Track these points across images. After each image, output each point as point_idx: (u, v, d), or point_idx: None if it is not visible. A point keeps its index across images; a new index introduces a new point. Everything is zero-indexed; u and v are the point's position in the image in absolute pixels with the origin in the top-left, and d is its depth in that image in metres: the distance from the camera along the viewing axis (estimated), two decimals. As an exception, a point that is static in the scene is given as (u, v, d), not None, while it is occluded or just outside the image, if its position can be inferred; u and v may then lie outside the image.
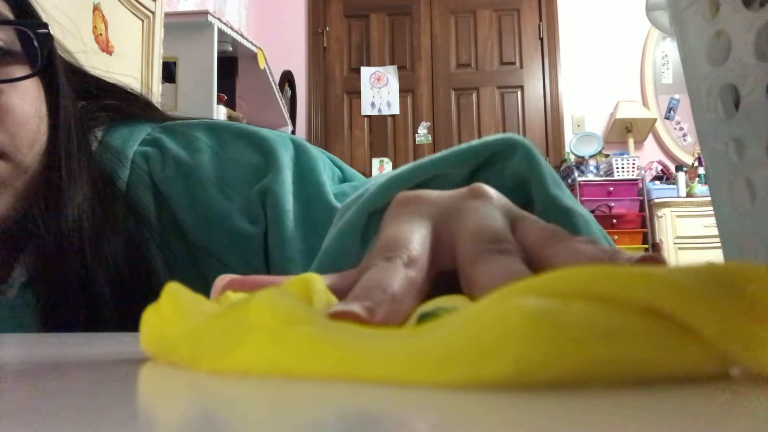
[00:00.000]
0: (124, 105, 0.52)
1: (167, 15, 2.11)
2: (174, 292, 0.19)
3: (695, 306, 0.13)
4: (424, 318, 0.24)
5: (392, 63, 4.14)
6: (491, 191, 0.26)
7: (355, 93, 4.14)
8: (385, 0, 4.17)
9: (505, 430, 0.10)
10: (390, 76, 4.13)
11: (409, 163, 0.35)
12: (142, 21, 1.93)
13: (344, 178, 0.49)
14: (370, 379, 0.13)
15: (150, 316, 0.19)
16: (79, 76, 0.50)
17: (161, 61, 2.01)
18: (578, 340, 0.12)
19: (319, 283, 0.21)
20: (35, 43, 0.42)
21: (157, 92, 1.97)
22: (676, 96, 3.99)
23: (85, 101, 0.49)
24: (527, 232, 0.24)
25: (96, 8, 1.63)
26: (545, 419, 0.11)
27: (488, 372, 0.12)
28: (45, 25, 0.43)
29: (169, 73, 2.42)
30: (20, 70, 0.41)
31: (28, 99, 0.42)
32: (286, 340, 0.14)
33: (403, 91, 4.11)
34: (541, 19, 4.15)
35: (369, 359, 0.13)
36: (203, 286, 0.23)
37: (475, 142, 0.35)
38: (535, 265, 0.21)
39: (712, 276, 0.13)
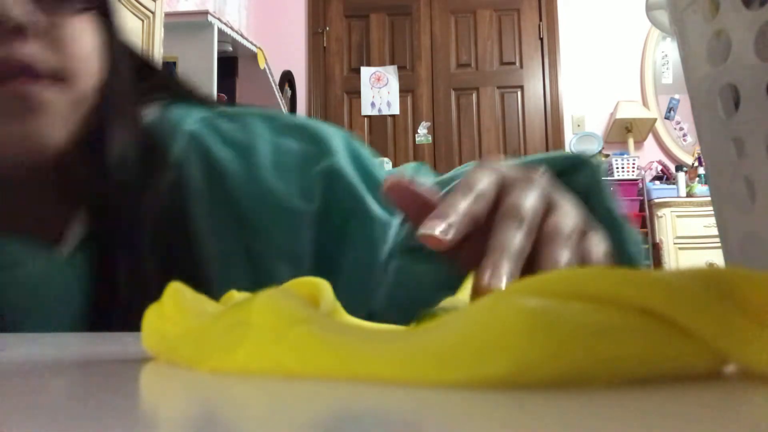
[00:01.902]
0: (174, 86, 0.55)
1: (167, 15, 2.11)
2: (176, 292, 0.19)
3: (689, 306, 0.13)
4: (424, 318, 0.24)
5: (392, 63, 4.14)
6: (545, 178, 0.33)
7: (355, 93, 4.14)
8: (385, 0, 4.17)
9: (505, 430, 0.10)
10: (390, 76, 4.13)
11: None
12: (142, 21, 1.93)
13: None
14: (370, 379, 0.13)
15: (151, 316, 0.19)
16: (132, 53, 0.52)
17: (161, 61, 2.01)
18: (575, 338, 0.12)
19: (327, 290, 0.21)
20: None
21: (157, 92, 1.97)
22: (676, 96, 3.99)
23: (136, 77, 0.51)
24: (553, 220, 0.30)
25: (96, 8, 1.63)
26: (544, 419, 0.11)
27: (487, 371, 0.12)
28: None
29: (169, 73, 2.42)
30: (80, 7, 0.44)
31: (87, 32, 0.44)
32: (287, 339, 0.14)
33: (403, 91, 4.11)
34: (541, 19, 4.14)
35: (369, 359, 0.13)
36: (245, 257, 0.33)
37: (549, 154, 0.43)
38: (536, 250, 0.29)
39: (705, 278, 0.13)
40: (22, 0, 0.39)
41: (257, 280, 0.46)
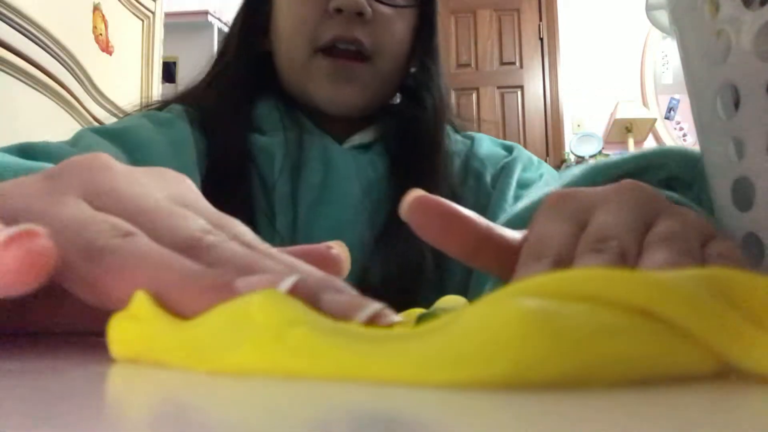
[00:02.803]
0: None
1: (167, 15, 2.10)
2: (144, 299, 0.18)
3: (688, 308, 0.13)
4: (423, 318, 0.24)
5: (392, 63, 4.14)
6: (639, 188, 0.28)
7: (355, 93, 4.14)
8: (385, 0, 4.17)
9: (504, 430, 0.10)
10: (390, 76, 4.13)
11: (579, 168, 0.41)
12: (142, 21, 1.93)
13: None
14: (370, 380, 0.13)
15: (121, 322, 0.19)
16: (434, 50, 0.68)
17: (161, 61, 2.01)
18: (575, 339, 0.12)
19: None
20: None
21: (157, 92, 1.97)
22: (676, 96, 3.99)
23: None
24: (661, 228, 0.25)
25: (96, 8, 1.63)
26: (544, 419, 0.11)
27: (487, 372, 0.12)
28: None
29: (169, 73, 2.42)
30: (408, 2, 0.60)
31: (404, 26, 0.60)
32: (286, 340, 0.14)
33: (403, 91, 4.10)
34: (541, 19, 4.14)
35: (369, 360, 0.13)
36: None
37: (624, 156, 0.40)
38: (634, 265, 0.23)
39: (703, 280, 0.13)
40: None
41: None
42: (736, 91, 0.32)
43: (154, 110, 0.61)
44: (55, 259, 0.18)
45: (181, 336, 0.17)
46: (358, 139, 0.61)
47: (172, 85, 2.49)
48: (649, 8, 0.39)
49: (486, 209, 0.59)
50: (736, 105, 0.32)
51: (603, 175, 0.37)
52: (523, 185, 0.60)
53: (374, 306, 0.17)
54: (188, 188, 0.26)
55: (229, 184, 0.54)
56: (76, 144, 0.50)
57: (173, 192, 0.24)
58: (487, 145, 0.66)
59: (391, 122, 0.63)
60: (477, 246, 0.25)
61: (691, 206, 0.33)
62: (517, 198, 0.58)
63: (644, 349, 0.13)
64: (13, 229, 0.18)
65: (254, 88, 0.61)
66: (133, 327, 0.18)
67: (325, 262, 0.25)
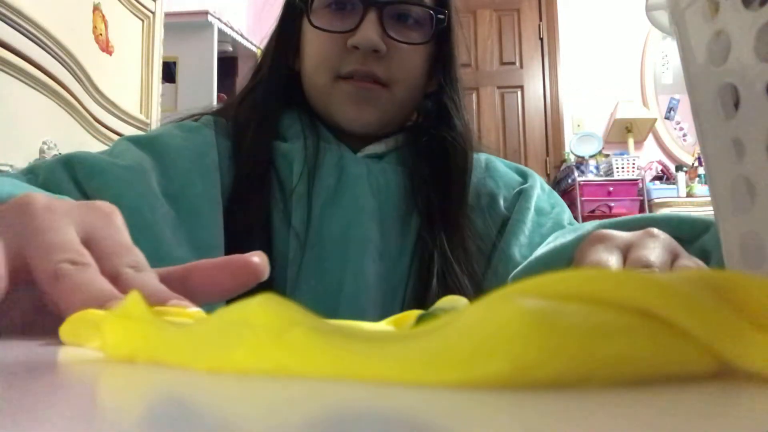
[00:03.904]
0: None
1: (167, 15, 2.11)
2: (138, 300, 0.18)
3: (688, 309, 0.13)
4: (423, 318, 0.24)
5: (392, 63, 4.14)
6: (661, 233, 0.38)
7: (355, 93, 4.14)
8: (385, 0, 4.17)
9: (503, 429, 0.10)
10: (390, 76, 4.13)
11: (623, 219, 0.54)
12: (142, 21, 1.93)
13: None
14: (369, 379, 0.13)
15: (111, 323, 0.19)
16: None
17: (161, 61, 2.01)
18: (573, 339, 0.12)
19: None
20: (433, 21, 0.64)
21: (157, 92, 1.97)
22: (676, 96, 3.99)
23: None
24: (681, 264, 0.34)
25: (96, 8, 1.63)
26: (542, 419, 0.11)
27: (485, 371, 0.12)
28: (444, 12, 0.65)
29: (169, 73, 2.42)
30: (421, 39, 0.64)
31: (419, 58, 0.65)
32: (285, 339, 0.14)
33: (403, 91, 4.10)
34: (541, 19, 4.15)
35: (368, 359, 0.13)
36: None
37: (664, 216, 0.50)
38: None
39: (703, 281, 0.13)
40: (380, 32, 0.61)
41: None
42: (736, 91, 0.32)
43: (189, 121, 0.67)
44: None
45: (179, 335, 0.17)
46: (372, 149, 0.67)
47: (172, 85, 2.49)
48: (649, 8, 0.39)
49: (495, 228, 0.67)
50: (736, 105, 0.32)
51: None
52: (539, 212, 0.67)
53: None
54: (105, 224, 0.31)
55: (250, 186, 0.61)
56: (111, 152, 0.57)
57: (83, 222, 0.29)
58: (502, 167, 0.72)
59: (408, 137, 0.69)
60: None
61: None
62: (533, 222, 0.66)
63: (643, 349, 0.13)
64: None
65: (283, 101, 0.67)
66: (128, 326, 0.18)
67: (247, 270, 0.30)
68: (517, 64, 4.15)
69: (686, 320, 0.13)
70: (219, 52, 2.63)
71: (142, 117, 1.89)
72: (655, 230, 0.39)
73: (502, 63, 4.15)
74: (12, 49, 1.26)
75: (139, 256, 0.30)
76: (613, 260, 0.36)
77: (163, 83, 2.07)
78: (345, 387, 0.13)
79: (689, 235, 0.47)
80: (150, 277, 0.28)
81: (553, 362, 0.12)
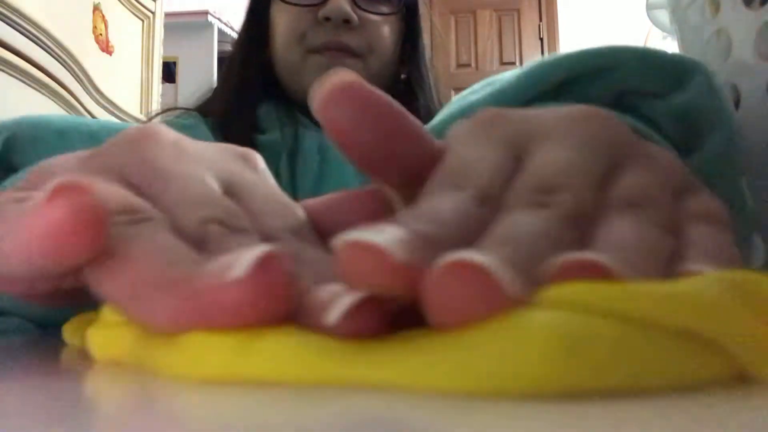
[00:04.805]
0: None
1: (167, 15, 2.10)
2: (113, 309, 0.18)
3: (718, 322, 0.12)
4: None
5: (392, 63, 4.14)
6: (600, 114, 0.19)
7: (355, 93, 4.13)
8: (385, 0, 4.17)
9: (502, 429, 0.10)
10: (390, 76, 4.13)
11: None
12: (142, 21, 1.93)
13: None
14: (376, 385, 0.13)
15: (100, 326, 0.18)
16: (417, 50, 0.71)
17: (161, 61, 2.01)
18: (599, 357, 0.12)
19: None
20: None
21: (157, 92, 1.97)
22: (676, 96, 3.99)
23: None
24: (628, 184, 0.17)
25: (96, 8, 1.63)
26: (549, 425, 0.11)
27: (503, 386, 0.12)
28: None
29: (169, 73, 2.42)
30: (390, 11, 0.65)
31: (390, 31, 0.65)
32: (296, 347, 0.14)
33: (403, 91, 4.10)
34: (541, 19, 4.14)
35: (377, 364, 0.13)
36: None
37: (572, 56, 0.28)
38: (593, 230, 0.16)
39: (731, 286, 0.13)
40: (350, 4, 0.61)
41: None
42: (736, 91, 0.32)
43: (179, 119, 0.67)
44: (108, 219, 0.16)
45: (171, 341, 0.15)
46: None
47: (172, 85, 2.49)
48: (650, 8, 0.39)
49: None
50: (737, 103, 0.32)
51: (539, 82, 0.29)
52: None
53: (345, 301, 0.14)
54: (244, 166, 0.22)
55: None
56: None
57: (223, 170, 0.21)
58: None
59: None
60: (386, 141, 0.18)
61: (658, 141, 0.26)
62: None
63: (666, 363, 0.12)
64: (56, 182, 0.15)
65: (258, 94, 0.66)
66: (116, 330, 0.18)
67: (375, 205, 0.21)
68: (517, 64, 4.14)
69: (715, 332, 0.12)
70: (219, 52, 2.62)
71: (142, 117, 1.89)
72: (587, 111, 0.19)
73: (502, 63, 4.14)
74: (12, 49, 1.25)
75: (297, 214, 0.21)
76: (484, 161, 0.18)
77: (163, 83, 2.07)
78: (345, 391, 0.13)
79: (659, 85, 0.27)
80: (312, 249, 0.20)
81: (574, 379, 0.12)
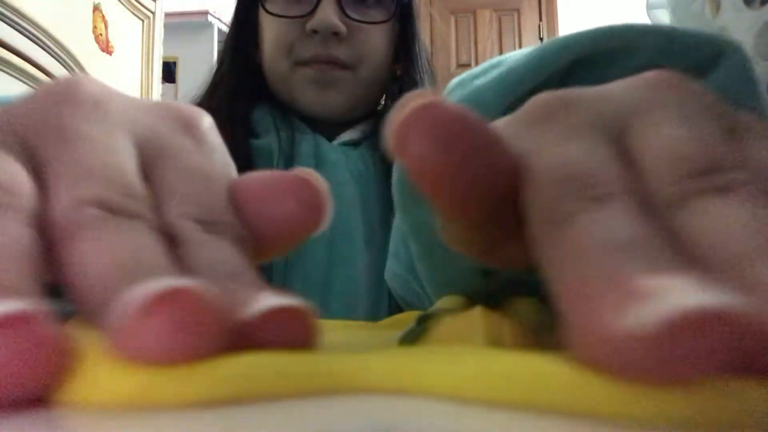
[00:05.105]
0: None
1: (167, 15, 2.10)
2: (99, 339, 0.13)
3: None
4: (425, 319, 0.23)
5: (392, 63, 4.14)
6: (680, 78, 0.16)
7: (355, 93, 4.14)
8: (385, 0, 4.17)
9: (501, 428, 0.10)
10: (390, 76, 4.13)
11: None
12: (142, 21, 1.93)
13: None
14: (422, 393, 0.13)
15: (95, 360, 0.12)
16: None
17: (161, 61, 2.01)
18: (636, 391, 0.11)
19: None
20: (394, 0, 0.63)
21: (157, 92, 1.97)
22: (676, 96, 3.99)
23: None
24: (763, 156, 0.14)
25: (96, 8, 1.63)
26: (549, 426, 0.11)
27: (532, 402, 0.11)
28: None
29: (169, 73, 2.42)
30: (382, 18, 0.62)
31: (382, 37, 0.63)
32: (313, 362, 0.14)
33: (403, 91, 4.11)
34: (541, 19, 4.15)
35: (418, 372, 0.13)
36: None
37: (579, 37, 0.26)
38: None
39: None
40: (339, 13, 0.59)
41: None
42: (736, 91, 0.31)
43: None
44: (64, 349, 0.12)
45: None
46: (347, 136, 0.65)
47: (172, 85, 2.49)
48: (650, 7, 0.39)
49: None
50: (737, 104, 0.31)
51: (551, 62, 0.26)
52: None
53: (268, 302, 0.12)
54: (178, 131, 0.19)
55: None
56: None
57: (148, 134, 0.18)
58: None
59: (380, 121, 0.65)
60: (474, 164, 0.14)
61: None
62: None
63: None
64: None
65: (250, 96, 0.65)
66: (109, 363, 0.12)
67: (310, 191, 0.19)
68: (517, 64, 4.15)
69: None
70: (219, 52, 2.63)
71: (142, 117, 1.89)
72: (668, 76, 0.16)
73: (502, 63, 4.15)
74: (12, 49, 1.26)
75: (219, 199, 0.18)
76: (589, 158, 0.14)
77: (163, 83, 2.07)
78: (346, 396, 0.13)
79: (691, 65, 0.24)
80: (220, 248, 0.16)
81: (610, 406, 0.11)
